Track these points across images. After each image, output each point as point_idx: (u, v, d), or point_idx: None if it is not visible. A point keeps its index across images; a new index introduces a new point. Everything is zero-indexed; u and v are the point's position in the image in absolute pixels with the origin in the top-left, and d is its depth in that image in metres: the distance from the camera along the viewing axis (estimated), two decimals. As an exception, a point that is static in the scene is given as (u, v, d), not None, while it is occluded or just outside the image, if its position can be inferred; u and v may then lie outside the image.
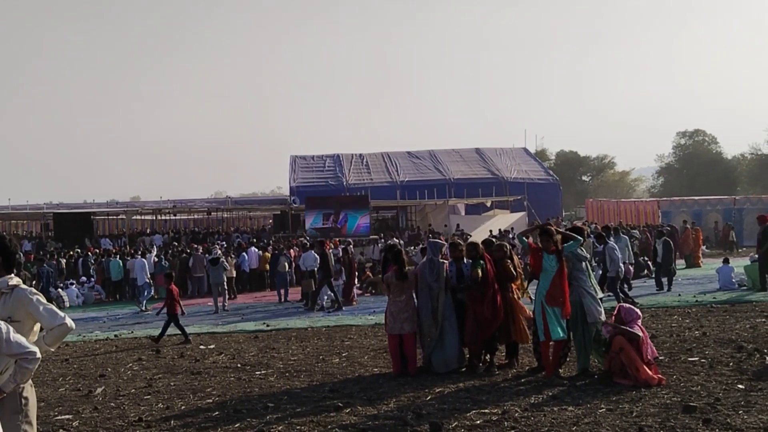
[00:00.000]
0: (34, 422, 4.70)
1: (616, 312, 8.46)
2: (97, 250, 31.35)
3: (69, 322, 4.70)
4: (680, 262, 26.47)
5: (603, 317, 8.69)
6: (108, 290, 26.71)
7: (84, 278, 27.08)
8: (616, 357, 8.06)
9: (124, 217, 43.64)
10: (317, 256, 19.58)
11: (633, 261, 19.93)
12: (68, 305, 24.52)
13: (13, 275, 4.78)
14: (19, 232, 44.20)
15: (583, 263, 8.87)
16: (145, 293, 22.18)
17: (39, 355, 4.41)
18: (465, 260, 9.67)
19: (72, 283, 25.96)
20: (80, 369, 11.61)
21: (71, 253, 30.19)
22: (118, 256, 27.08)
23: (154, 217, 44.52)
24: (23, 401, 4.57)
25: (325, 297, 19.45)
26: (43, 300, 4.75)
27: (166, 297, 14.83)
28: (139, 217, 45.52)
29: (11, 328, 4.36)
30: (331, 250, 26.14)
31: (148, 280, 22.32)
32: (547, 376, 8.53)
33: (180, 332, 14.27)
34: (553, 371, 8.58)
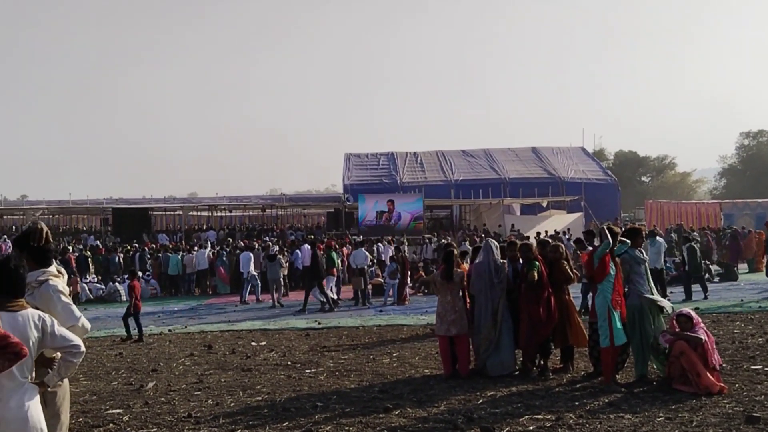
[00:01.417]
0: (64, 416, 4.72)
1: (679, 318, 8.13)
2: (154, 245, 31.80)
3: (83, 323, 4.73)
4: (743, 267, 25.76)
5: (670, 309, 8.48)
6: (164, 285, 27.07)
7: (140, 272, 27.46)
8: (676, 362, 7.78)
9: (180, 212, 44.29)
10: (367, 254, 19.40)
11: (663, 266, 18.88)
12: (125, 299, 24.95)
13: (47, 270, 4.84)
14: (79, 227, 45.21)
15: (642, 266, 8.61)
16: (249, 286, 22.43)
17: (83, 348, 4.38)
18: (520, 260, 9.48)
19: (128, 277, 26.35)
20: (133, 363, 11.73)
21: (128, 247, 30.69)
22: (179, 253, 27.44)
23: (210, 213, 45.04)
24: (50, 396, 4.56)
25: (323, 297, 19.17)
26: (65, 298, 4.78)
27: (129, 293, 15.19)
28: (195, 213, 46.13)
29: (55, 321, 4.33)
30: (382, 248, 26.14)
31: (254, 273, 22.61)
32: (606, 382, 8.28)
33: (136, 329, 14.66)
34: (611, 377, 8.33)
